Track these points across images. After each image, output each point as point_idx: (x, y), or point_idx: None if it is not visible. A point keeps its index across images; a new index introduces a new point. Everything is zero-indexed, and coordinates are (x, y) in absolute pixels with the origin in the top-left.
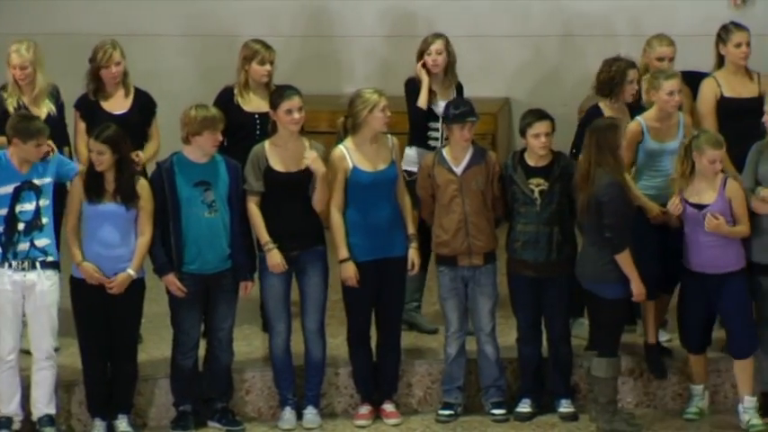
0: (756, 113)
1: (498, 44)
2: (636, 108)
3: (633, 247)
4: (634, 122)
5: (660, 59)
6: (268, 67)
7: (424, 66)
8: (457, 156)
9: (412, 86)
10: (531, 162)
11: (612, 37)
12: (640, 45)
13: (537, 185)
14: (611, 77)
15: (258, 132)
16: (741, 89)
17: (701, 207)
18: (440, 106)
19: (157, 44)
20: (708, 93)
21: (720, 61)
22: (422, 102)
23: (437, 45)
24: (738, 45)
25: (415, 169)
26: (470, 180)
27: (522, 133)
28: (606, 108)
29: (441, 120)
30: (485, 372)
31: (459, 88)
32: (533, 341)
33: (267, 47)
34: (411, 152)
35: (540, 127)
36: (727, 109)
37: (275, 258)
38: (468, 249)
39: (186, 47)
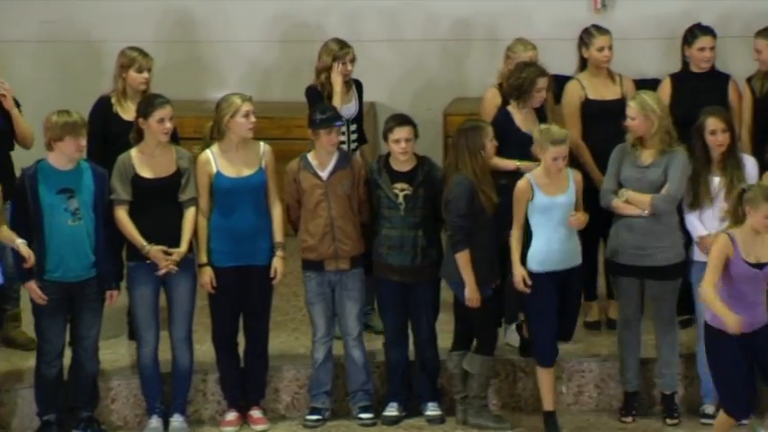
0: (619, 115)
1: (363, 49)
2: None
3: (485, 254)
4: (522, 180)
5: None
6: (146, 74)
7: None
8: (323, 160)
9: (314, 94)
10: (395, 167)
11: (472, 41)
12: (500, 49)
13: (401, 190)
14: (520, 84)
15: None
16: (604, 91)
17: (760, 266)
18: (343, 111)
19: (12, 51)
20: (572, 95)
21: (583, 64)
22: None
23: (351, 54)
24: (601, 49)
25: None
26: (336, 184)
27: (385, 138)
28: (515, 111)
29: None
30: (352, 376)
31: (359, 86)
32: (400, 345)
33: (144, 54)
34: None
35: (401, 132)
36: (592, 111)
37: (158, 253)
38: (334, 254)
39: (44, 53)
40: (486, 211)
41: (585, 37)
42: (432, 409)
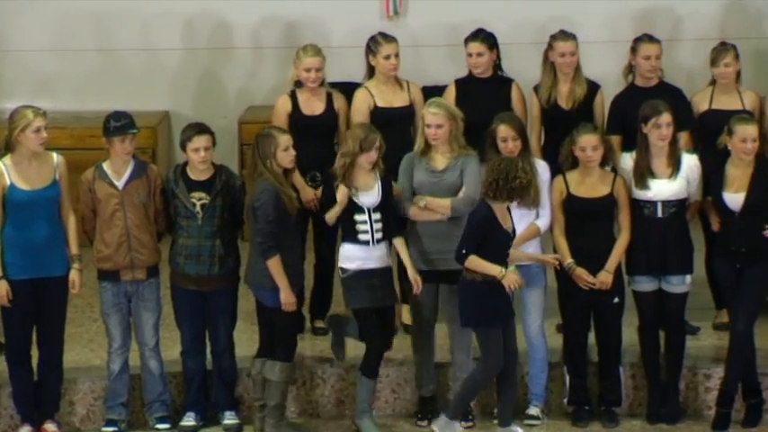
0: (408, 122)
1: (157, 57)
2: None
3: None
4: None
5: (307, 70)
6: None
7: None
8: (118, 169)
9: (330, 181)
10: (192, 176)
11: (265, 49)
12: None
13: (199, 199)
14: (525, 182)
15: None
16: (393, 98)
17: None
18: (361, 197)
19: None
20: (361, 103)
21: (371, 71)
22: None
23: (378, 141)
24: (388, 57)
25: (348, 266)
26: (132, 194)
27: (183, 147)
28: (497, 207)
29: (367, 211)
30: (149, 386)
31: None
32: (198, 354)
33: None
34: (343, 248)
35: (199, 141)
36: (381, 119)
37: None
38: (130, 264)
39: None
40: (291, 214)
41: (372, 45)
42: (229, 418)
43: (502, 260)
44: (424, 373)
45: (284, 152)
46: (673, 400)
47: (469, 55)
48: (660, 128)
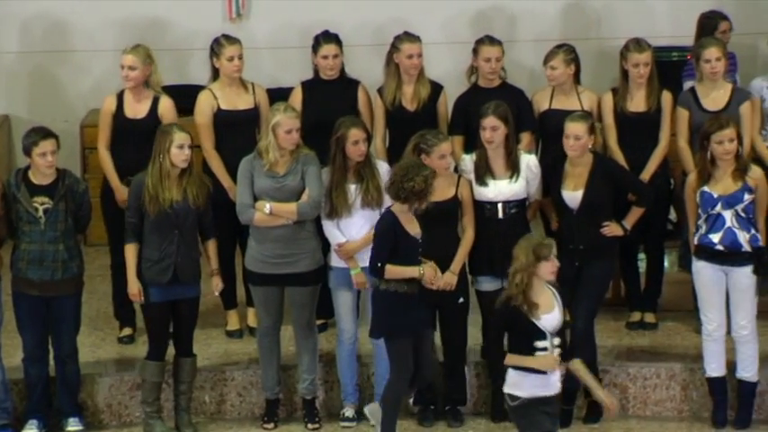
0: (252, 125)
1: None
2: None
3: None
4: None
5: (122, 67)
6: None
7: None
8: None
9: (512, 314)
10: (35, 180)
11: (107, 52)
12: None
13: (41, 204)
14: (423, 188)
15: None
16: (237, 101)
17: None
18: (543, 321)
19: None
20: (205, 105)
21: (216, 74)
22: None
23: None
24: (231, 59)
25: (519, 394)
26: None
27: (27, 152)
28: (401, 214)
29: (548, 336)
30: None
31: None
32: (40, 360)
33: None
34: (514, 375)
35: (46, 146)
36: (224, 121)
37: None
38: None
39: None
40: (150, 213)
41: (216, 47)
42: (73, 425)
43: (413, 265)
44: (270, 375)
45: (178, 149)
46: None
47: (325, 57)
48: (485, 130)
